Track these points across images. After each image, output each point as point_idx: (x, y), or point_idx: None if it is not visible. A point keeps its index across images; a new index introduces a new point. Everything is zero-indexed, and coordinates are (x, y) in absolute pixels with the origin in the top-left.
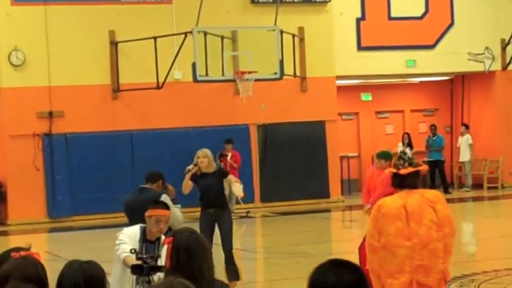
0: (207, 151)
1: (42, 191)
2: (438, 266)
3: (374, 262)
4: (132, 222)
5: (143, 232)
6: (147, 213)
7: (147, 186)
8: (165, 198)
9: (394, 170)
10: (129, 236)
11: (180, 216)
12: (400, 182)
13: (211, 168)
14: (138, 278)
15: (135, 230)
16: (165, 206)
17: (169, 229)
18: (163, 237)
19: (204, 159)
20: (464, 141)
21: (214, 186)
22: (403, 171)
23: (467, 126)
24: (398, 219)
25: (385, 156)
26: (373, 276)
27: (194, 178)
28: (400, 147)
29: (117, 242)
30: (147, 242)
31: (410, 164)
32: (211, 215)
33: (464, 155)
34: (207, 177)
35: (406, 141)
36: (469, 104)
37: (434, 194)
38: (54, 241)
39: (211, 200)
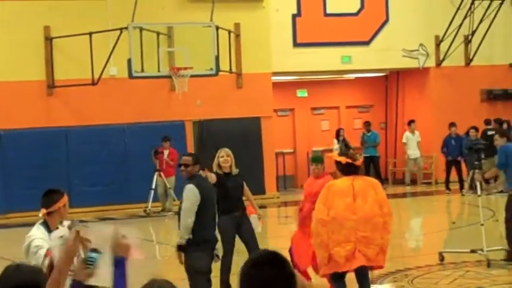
0: (229, 150)
1: None
2: (378, 240)
3: (323, 234)
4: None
5: (46, 227)
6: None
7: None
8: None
9: (350, 160)
10: (43, 238)
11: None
12: (353, 170)
13: (235, 168)
14: None
15: (41, 230)
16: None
17: None
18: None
19: (228, 158)
20: (415, 138)
21: (241, 188)
22: (359, 162)
23: (412, 122)
24: (347, 196)
25: (317, 160)
26: (320, 248)
27: (219, 179)
28: (335, 144)
29: (34, 250)
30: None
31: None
32: (237, 218)
33: (416, 152)
34: (232, 178)
35: (341, 137)
36: (404, 100)
37: (374, 180)
38: None
39: (238, 202)
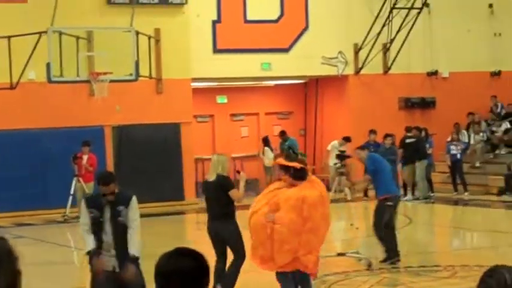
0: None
1: None
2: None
3: (295, 243)
4: None
5: None
6: None
7: None
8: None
9: (302, 165)
10: None
11: None
12: (304, 175)
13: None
14: None
15: None
16: None
17: None
18: None
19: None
20: (340, 148)
21: None
22: (309, 167)
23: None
24: (321, 205)
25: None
26: (288, 254)
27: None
28: (268, 152)
29: None
30: None
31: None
32: None
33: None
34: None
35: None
36: (323, 107)
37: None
38: None
39: None
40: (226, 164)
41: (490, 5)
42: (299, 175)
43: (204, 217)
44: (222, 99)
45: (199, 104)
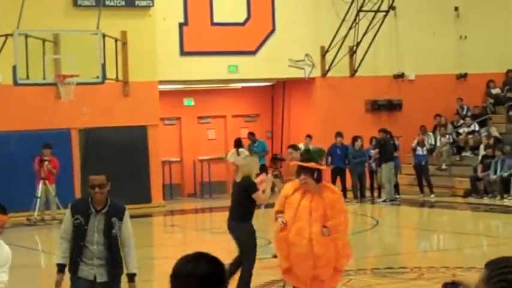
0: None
1: None
2: None
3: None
4: None
5: None
6: None
7: None
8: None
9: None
10: None
11: None
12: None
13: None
14: None
15: None
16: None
17: None
18: None
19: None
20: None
21: None
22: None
23: (310, 137)
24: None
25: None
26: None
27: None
28: (244, 153)
29: None
30: None
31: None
32: None
33: None
34: None
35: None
36: (290, 110)
37: None
38: None
39: None
40: (253, 166)
41: (456, 8)
42: (321, 177)
43: (171, 219)
44: (189, 101)
45: (166, 106)
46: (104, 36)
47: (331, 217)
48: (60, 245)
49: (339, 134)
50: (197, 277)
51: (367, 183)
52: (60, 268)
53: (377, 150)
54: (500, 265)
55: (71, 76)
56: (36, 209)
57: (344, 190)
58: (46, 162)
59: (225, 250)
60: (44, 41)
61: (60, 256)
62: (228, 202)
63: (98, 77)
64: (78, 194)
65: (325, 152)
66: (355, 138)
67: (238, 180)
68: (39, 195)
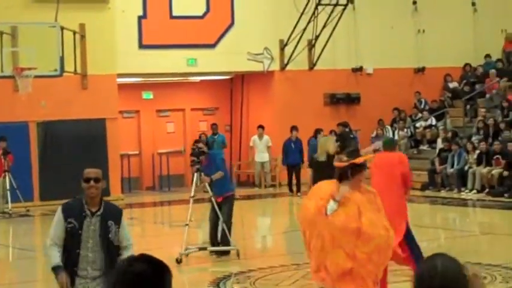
0: None
1: None
2: None
3: None
4: None
5: None
6: None
7: None
8: None
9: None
10: None
11: None
12: None
13: None
14: None
15: None
16: None
17: None
18: None
19: None
20: (263, 142)
21: None
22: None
23: (263, 127)
24: None
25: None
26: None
27: None
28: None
29: None
30: None
31: None
32: None
33: (264, 156)
34: None
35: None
36: (249, 103)
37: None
38: None
39: None
40: (332, 144)
41: (414, 2)
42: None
43: (130, 212)
44: (147, 95)
45: (125, 99)
46: (62, 29)
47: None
48: (52, 251)
49: (294, 128)
50: (131, 275)
51: None
52: (58, 270)
53: (338, 143)
54: (424, 277)
55: (29, 69)
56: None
57: (298, 183)
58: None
59: (184, 242)
60: (1, 33)
61: (54, 261)
62: (186, 196)
63: (56, 70)
64: (36, 188)
65: None
66: (317, 131)
67: (321, 159)
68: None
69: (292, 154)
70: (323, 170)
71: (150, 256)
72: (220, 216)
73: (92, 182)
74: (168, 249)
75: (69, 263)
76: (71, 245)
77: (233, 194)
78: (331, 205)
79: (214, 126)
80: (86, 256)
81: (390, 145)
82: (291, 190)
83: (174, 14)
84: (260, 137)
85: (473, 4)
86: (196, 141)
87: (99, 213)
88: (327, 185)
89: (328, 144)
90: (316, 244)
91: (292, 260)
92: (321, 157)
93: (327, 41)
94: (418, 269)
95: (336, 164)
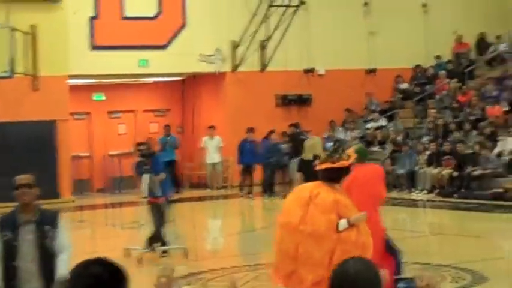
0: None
1: None
2: None
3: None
4: None
5: None
6: None
7: None
8: None
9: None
10: None
11: None
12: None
13: None
14: None
15: None
16: None
17: None
18: None
19: None
20: (214, 143)
21: None
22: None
23: (213, 127)
24: None
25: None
26: None
27: None
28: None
29: None
30: None
31: None
32: None
33: (215, 157)
34: None
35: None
36: (200, 104)
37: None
38: None
39: None
40: (320, 145)
41: (366, 4)
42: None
43: (80, 215)
44: (99, 96)
45: (76, 101)
46: (13, 29)
47: None
48: None
49: (250, 130)
50: (86, 278)
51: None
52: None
53: (289, 145)
54: (336, 281)
55: None
56: None
57: (251, 185)
58: None
59: (136, 244)
60: None
61: None
62: (137, 197)
63: (6, 72)
64: None
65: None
66: (270, 132)
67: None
68: None
69: (247, 154)
70: (310, 170)
71: (106, 259)
72: (162, 217)
73: (24, 188)
74: (119, 251)
75: (7, 277)
76: (6, 258)
77: (172, 196)
78: (343, 224)
79: (167, 128)
80: (24, 267)
81: (364, 156)
82: (241, 190)
83: (126, 14)
84: (211, 137)
85: (424, 6)
86: (139, 144)
87: (33, 219)
88: (308, 188)
89: (317, 147)
90: (323, 260)
91: (244, 262)
92: (308, 157)
93: (279, 42)
94: (332, 273)
95: (338, 165)
